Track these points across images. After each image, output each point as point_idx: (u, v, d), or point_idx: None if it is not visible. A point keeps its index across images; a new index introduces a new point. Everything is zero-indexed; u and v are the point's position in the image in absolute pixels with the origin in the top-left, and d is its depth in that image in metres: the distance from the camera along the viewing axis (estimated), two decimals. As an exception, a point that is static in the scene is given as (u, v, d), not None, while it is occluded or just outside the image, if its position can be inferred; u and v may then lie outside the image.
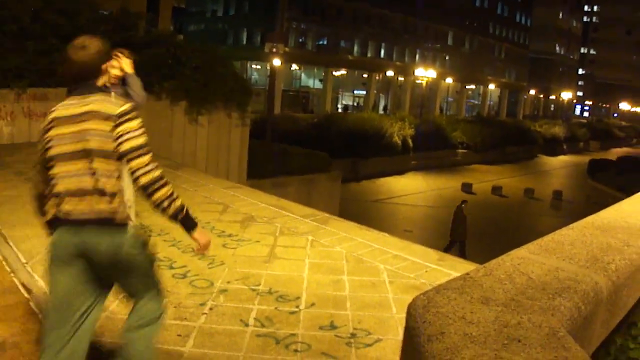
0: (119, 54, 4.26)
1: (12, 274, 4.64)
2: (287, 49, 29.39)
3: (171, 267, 4.96)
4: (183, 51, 13.87)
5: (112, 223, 2.55)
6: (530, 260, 2.57)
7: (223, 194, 8.01)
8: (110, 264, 2.58)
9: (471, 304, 1.99)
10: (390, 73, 58.14)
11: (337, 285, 4.80)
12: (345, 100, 59.12)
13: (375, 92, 58.95)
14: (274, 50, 23.78)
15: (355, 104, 58.60)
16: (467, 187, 33.09)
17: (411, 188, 33.19)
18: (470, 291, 2.11)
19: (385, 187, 32.91)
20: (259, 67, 51.05)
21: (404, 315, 4.42)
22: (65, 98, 2.72)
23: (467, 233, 16.68)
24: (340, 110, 53.09)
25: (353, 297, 4.55)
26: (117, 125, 2.54)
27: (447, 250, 12.81)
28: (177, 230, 5.91)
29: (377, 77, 57.90)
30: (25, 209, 6.44)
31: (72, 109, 2.63)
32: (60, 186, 2.60)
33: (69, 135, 2.58)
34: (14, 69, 11.29)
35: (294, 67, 52.35)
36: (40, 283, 4.44)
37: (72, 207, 2.57)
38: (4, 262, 4.84)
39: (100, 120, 2.55)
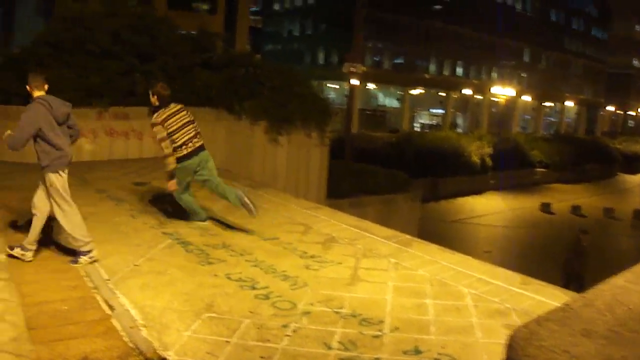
0: None
1: (94, 290, 4.61)
2: (364, 69, 29.27)
3: (253, 288, 4.80)
4: (262, 71, 13.97)
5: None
6: (629, 290, 2.35)
7: (304, 215, 7.86)
8: (207, 166, 6.72)
9: (573, 336, 1.86)
10: (467, 91, 57.14)
11: (420, 309, 4.55)
12: (422, 119, 58.45)
13: (452, 110, 58.03)
14: (353, 70, 23.74)
15: (432, 122, 57.81)
16: (546, 207, 31.79)
17: (490, 208, 32.29)
18: (571, 323, 1.97)
19: (464, 206, 32.13)
20: (336, 86, 51.30)
21: (489, 340, 4.26)
22: (165, 108, 6.54)
23: (586, 268, 13.50)
24: (417, 129, 52.50)
25: (437, 322, 4.30)
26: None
27: (566, 286, 10.23)
28: (259, 251, 5.87)
29: (454, 96, 57.02)
30: (106, 226, 6.54)
31: (173, 109, 6.57)
32: (186, 137, 6.53)
33: (179, 118, 6.55)
34: (95, 88, 11.64)
35: (371, 86, 52.30)
36: (122, 300, 4.38)
37: (198, 143, 6.65)
38: (86, 279, 4.82)
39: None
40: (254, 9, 52.28)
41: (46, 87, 5.30)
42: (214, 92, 12.32)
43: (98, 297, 4.48)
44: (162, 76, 12.19)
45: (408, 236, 7.03)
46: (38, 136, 5.05)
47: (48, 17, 43.28)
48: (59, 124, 5.19)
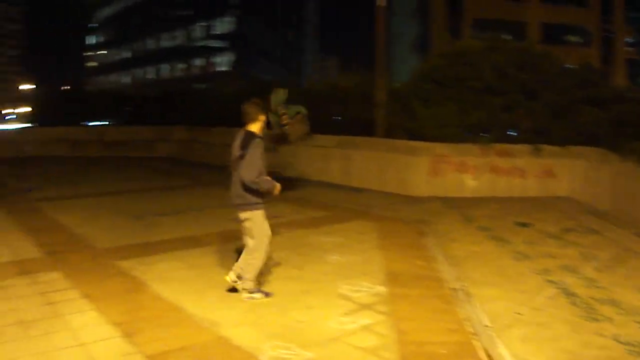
0: None
1: (473, 336, 4.35)
2: None
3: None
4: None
5: None
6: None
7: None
8: None
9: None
10: None
11: None
12: None
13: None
14: None
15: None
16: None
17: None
18: None
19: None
20: None
21: None
22: None
23: None
24: None
25: None
26: None
27: None
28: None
29: None
30: (489, 267, 6.27)
31: None
32: None
33: None
34: (478, 124, 11.61)
35: None
36: (501, 351, 4.03)
37: None
38: (466, 322, 4.59)
39: None
40: (629, 40, 46.78)
41: None
42: (601, 130, 11.13)
43: (477, 345, 4.20)
44: (545, 113, 11.58)
45: None
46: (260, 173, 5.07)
47: (420, 53, 46.53)
48: None
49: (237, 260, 5.37)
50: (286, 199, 10.92)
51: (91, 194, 11.84)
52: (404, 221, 8.97)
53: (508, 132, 11.88)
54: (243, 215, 5.17)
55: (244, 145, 5.02)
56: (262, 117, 5.24)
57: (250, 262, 5.19)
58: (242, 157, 4.98)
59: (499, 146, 11.58)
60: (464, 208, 10.23)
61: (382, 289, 5.40)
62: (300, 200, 11.01)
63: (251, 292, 5.18)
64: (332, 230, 8.16)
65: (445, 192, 11.60)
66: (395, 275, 5.82)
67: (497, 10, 38.11)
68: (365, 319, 4.67)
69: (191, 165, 17.83)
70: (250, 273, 5.18)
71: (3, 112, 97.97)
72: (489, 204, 10.64)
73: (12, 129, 31.31)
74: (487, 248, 7.22)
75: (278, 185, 5.10)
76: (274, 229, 8.03)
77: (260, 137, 5.10)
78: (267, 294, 5.24)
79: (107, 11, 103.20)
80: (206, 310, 4.87)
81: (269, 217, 5.02)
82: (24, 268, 6.15)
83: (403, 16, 54.54)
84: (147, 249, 7.05)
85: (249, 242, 5.23)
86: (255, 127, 5.17)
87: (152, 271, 6.07)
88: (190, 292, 5.37)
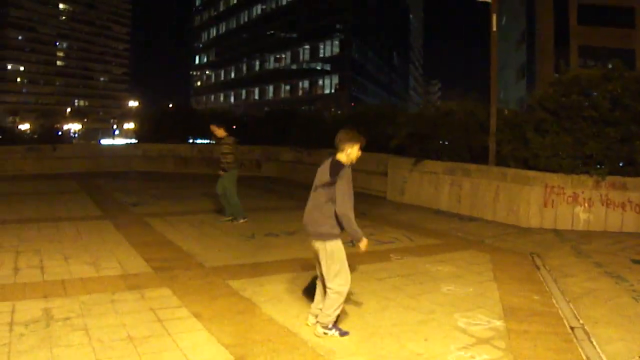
0: None
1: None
2: None
3: None
4: None
5: None
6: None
7: None
8: None
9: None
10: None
11: None
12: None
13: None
14: None
15: None
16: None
17: None
18: None
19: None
20: None
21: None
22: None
23: None
24: None
25: None
26: None
27: None
28: None
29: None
30: (608, 305, 6.22)
31: None
32: None
33: None
34: (593, 155, 11.36)
35: None
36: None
37: None
38: (587, 363, 4.64)
39: None
40: None
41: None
42: None
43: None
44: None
45: None
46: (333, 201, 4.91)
47: (524, 81, 45.21)
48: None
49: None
50: (396, 225, 11.22)
51: (198, 211, 12.44)
52: (517, 253, 8.99)
53: (622, 165, 11.52)
54: (318, 245, 4.99)
55: (333, 173, 4.89)
56: (350, 147, 5.02)
57: (332, 296, 4.95)
58: (331, 184, 4.85)
59: (613, 178, 11.28)
60: (576, 241, 10.06)
61: (499, 323, 5.47)
62: (411, 226, 11.22)
63: (327, 329, 4.98)
64: (445, 259, 8.31)
65: (556, 224, 11.45)
66: (512, 310, 5.89)
67: (604, 37, 36.68)
68: (484, 354, 4.69)
69: (298, 185, 18.26)
70: (331, 309, 4.95)
71: (112, 127, 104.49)
72: (602, 239, 10.39)
73: (120, 144, 32.95)
74: (603, 285, 7.13)
75: (365, 241, 5.00)
76: (386, 255, 8.35)
77: (347, 166, 4.96)
78: (343, 333, 5.02)
79: (214, 32, 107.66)
80: (320, 337, 4.92)
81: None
82: (133, 283, 6.38)
83: (506, 42, 53.72)
84: (258, 269, 7.27)
85: (327, 274, 4.99)
86: (341, 157, 5.02)
87: (264, 292, 6.18)
88: (304, 317, 5.38)
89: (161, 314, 5.35)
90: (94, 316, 5.22)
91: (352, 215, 4.84)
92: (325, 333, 4.95)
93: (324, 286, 5.07)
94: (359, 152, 5.09)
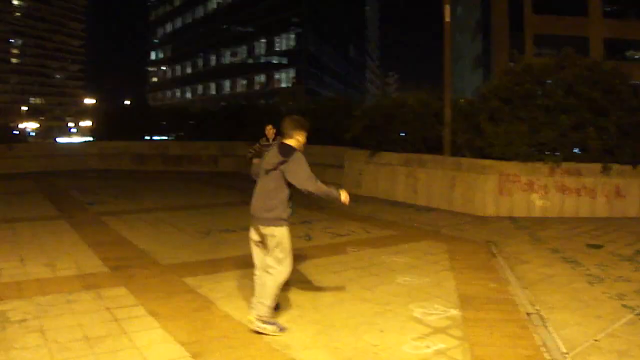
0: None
1: (549, 363, 4.36)
2: None
3: None
4: None
5: None
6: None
7: None
8: None
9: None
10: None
11: None
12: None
13: None
14: None
15: None
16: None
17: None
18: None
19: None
20: None
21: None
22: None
23: None
24: None
25: None
26: None
27: None
28: None
29: None
30: (564, 291, 6.23)
31: None
32: None
33: None
34: (548, 143, 11.46)
35: None
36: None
37: None
38: (542, 348, 4.60)
39: None
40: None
41: None
42: None
43: (554, 372, 4.22)
44: (616, 132, 11.33)
45: None
46: (290, 186, 4.88)
47: (480, 70, 45.86)
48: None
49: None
50: (353, 217, 11.10)
51: (155, 209, 12.18)
52: (473, 241, 8.98)
53: (576, 151, 11.68)
54: (267, 231, 4.87)
55: (285, 154, 4.85)
56: (297, 134, 5.02)
57: (269, 284, 4.85)
58: (282, 163, 4.79)
59: (568, 165, 11.41)
60: (532, 228, 10.14)
61: (455, 312, 5.42)
62: (368, 218, 11.14)
63: (264, 322, 4.81)
64: (401, 250, 8.23)
65: (512, 212, 11.53)
66: (468, 298, 5.84)
67: (558, 26, 37.41)
68: (440, 343, 4.66)
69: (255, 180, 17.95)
70: (269, 298, 4.84)
71: (67, 125, 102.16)
72: (558, 225, 10.51)
73: (76, 143, 32.36)
74: (559, 271, 7.16)
75: (345, 192, 4.98)
76: (342, 247, 8.25)
77: (298, 150, 4.93)
78: (282, 329, 4.87)
79: (169, 27, 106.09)
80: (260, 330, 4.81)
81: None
82: (89, 282, 6.25)
83: (461, 33, 54.32)
84: (214, 266, 7.16)
85: (271, 261, 4.88)
86: (290, 142, 4.99)
87: (220, 289, 6.10)
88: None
89: (117, 313, 5.27)
90: (50, 317, 5.12)
91: (314, 183, 4.78)
92: (264, 328, 4.77)
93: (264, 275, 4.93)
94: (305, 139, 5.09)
